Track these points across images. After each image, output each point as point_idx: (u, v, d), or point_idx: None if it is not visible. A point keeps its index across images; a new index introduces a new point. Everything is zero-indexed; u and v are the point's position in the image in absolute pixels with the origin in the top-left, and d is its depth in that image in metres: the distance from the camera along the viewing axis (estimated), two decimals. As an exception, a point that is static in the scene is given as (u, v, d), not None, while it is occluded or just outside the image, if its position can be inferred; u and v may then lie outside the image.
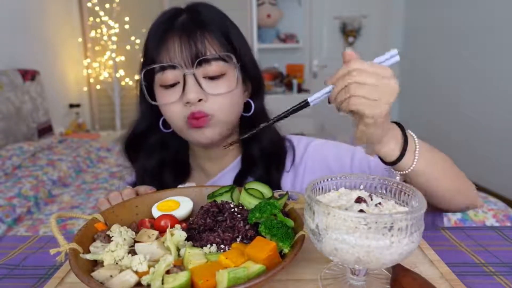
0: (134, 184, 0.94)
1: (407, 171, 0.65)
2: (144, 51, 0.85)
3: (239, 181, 0.88)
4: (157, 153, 0.91)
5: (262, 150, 0.89)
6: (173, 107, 0.80)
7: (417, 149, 0.65)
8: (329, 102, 0.61)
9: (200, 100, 0.78)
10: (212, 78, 0.79)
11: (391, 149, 0.63)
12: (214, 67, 0.78)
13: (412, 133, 0.66)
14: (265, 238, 0.54)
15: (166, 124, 0.88)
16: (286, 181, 0.91)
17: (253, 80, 0.88)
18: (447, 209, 0.76)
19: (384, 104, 0.56)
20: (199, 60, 0.77)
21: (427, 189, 0.68)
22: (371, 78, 0.56)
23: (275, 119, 0.64)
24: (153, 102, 0.83)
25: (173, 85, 0.80)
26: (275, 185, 0.88)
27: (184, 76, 0.78)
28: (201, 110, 0.79)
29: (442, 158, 0.71)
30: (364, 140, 0.62)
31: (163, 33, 0.80)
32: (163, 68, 0.79)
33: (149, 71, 0.81)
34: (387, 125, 0.61)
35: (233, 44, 0.82)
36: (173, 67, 0.78)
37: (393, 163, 0.65)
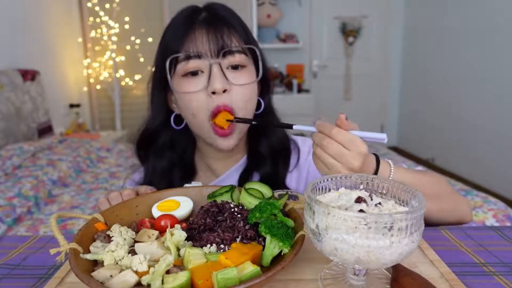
0: (141, 182, 0.94)
1: None
2: (164, 44, 0.85)
3: (245, 178, 0.90)
4: (167, 153, 0.92)
5: (270, 147, 0.92)
6: (197, 96, 0.81)
7: (391, 177, 0.70)
8: None
9: (224, 91, 0.80)
10: (234, 69, 0.82)
11: None
12: (237, 59, 0.82)
13: (390, 163, 0.71)
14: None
15: (176, 121, 0.89)
16: (291, 180, 0.92)
17: (263, 79, 0.90)
18: (430, 225, 0.78)
19: (333, 172, 0.64)
20: (224, 51, 0.80)
21: None
22: (331, 156, 0.64)
23: (258, 122, 0.74)
24: (178, 91, 0.83)
25: (195, 74, 0.81)
26: (281, 182, 0.90)
27: (210, 65, 0.80)
28: (226, 103, 0.80)
29: (424, 183, 0.74)
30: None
31: (188, 26, 0.82)
32: (188, 58, 0.80)
33: (170, 62, 0.82)
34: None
35: (251, 40, 0.86)
36: (199, 56, 0.80)
37: None
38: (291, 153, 0.94)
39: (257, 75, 0.86)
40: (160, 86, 0.87)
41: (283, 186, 0.90)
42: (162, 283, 0.48)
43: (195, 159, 0.97)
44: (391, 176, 0.70)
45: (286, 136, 0.95)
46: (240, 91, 0.81)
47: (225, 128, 0.81)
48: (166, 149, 0.92)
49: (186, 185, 0.81)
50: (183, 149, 0.94)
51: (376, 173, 0.70)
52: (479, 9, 3.43)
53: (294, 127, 0.71)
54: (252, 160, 0.93)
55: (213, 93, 0.79)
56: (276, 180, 0.90)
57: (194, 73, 0.81)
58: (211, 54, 0.80)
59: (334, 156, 0.64)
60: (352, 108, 4.78)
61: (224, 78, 0.80)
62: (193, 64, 0.80)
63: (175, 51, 0.81)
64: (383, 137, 0.65)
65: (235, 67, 0.82)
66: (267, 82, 0.92)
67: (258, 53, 0.85)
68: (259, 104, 0.90)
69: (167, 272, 0.50)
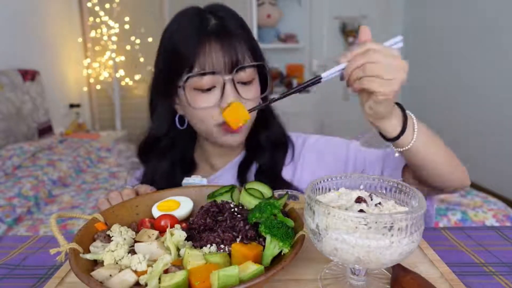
0: (142, 178, 0.96)
1: (407, 147, 0.69)
2: (172, 53, 0.84)
3: (244, 169, 0.93)
4: (169, 154, 0.94)
5: (269, 139, 0.95)
6: (210, 111, 0.83)
7: (416, 127, 0.69)
8: (341, 79, 0.65)
9: None
10: (244, 83, 0.85)
11: (393, 124, 0.68)
12: (247, 74, 0.84)
13: (410, 113, 0.71)
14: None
15: (180, 121, 0.91)
16: (287, 174, 0.94)
17: (264, 79, 0.91)
18: (442, 187, 0.78)
19: (397, 82, 0.60)
20: (238, 68, 0.81)
21: (424, 165, 0.73)
22: (385, 58, 0.59)
23: (288, 92, 0.67)
24: (192, 107, 0.84)
25: (209, 89, 0.82)
26: (278, 173, 0.93)
27: (224, 82, 0.82)
28: None
29: (438, 137, 0.76)
30: (373, 116, 0.66)
31: (200, 37, 0.81)
32: (202, 73, 0.81)
33: (179, 74, 0.82)
34: (393, 102, 0.65)
35: (257, 51, 0.87)
36: (213, 72, 0.81)
37: (394, 139, 0.69)
38: (288, 148, 0.97)
39: (264, 88, 0.89)
40: (166, 93, 0.87)
41: (280, 178, 0.92)
42: (159, 282, 0.48)
43: (196, 154, 0.99)
44: (415, 131, 0.69)
45: (284, 132, 0.98)
46: (250, 105, 0.84)
47: (234, 128, 0.82)
48: (168, 151, 0.93)
49: (186, 178, 0.83)
50: (185, 147, 0.96)
51: (405, 121, 0.68)
52: (479, 9, 3.43)
53: (322, 75, 0.66)
54: (251, 150, 0.96)
55: None
56: (273, 172, 0.92)
57: (209, 88, 0.82)
58: (225, 70, 0.81)
59: (383, 60, 0.59)
60: (352, 108, 4.78)
61: (237, 93, 0.82)
62: (207, 80, 0.81)
63: (189, 65, 0.81)
64: (398, 39, 0.65)
65: (245, 82, 0.85)
66: (267, 82, 0.92)
67: (267, 68, 0.88)
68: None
69: (166, 271, 0.50)
